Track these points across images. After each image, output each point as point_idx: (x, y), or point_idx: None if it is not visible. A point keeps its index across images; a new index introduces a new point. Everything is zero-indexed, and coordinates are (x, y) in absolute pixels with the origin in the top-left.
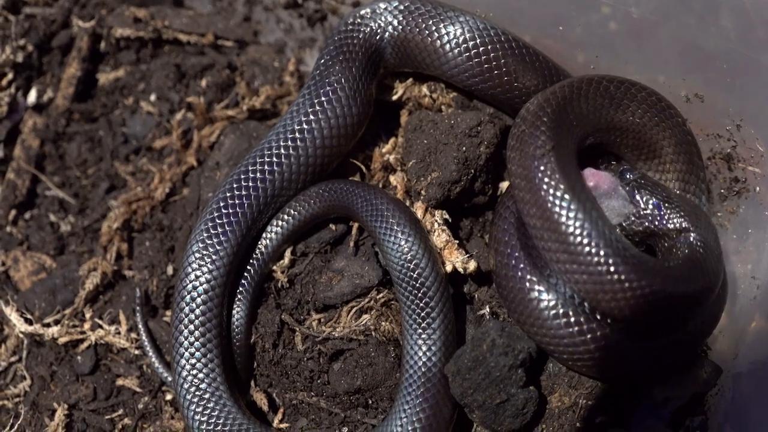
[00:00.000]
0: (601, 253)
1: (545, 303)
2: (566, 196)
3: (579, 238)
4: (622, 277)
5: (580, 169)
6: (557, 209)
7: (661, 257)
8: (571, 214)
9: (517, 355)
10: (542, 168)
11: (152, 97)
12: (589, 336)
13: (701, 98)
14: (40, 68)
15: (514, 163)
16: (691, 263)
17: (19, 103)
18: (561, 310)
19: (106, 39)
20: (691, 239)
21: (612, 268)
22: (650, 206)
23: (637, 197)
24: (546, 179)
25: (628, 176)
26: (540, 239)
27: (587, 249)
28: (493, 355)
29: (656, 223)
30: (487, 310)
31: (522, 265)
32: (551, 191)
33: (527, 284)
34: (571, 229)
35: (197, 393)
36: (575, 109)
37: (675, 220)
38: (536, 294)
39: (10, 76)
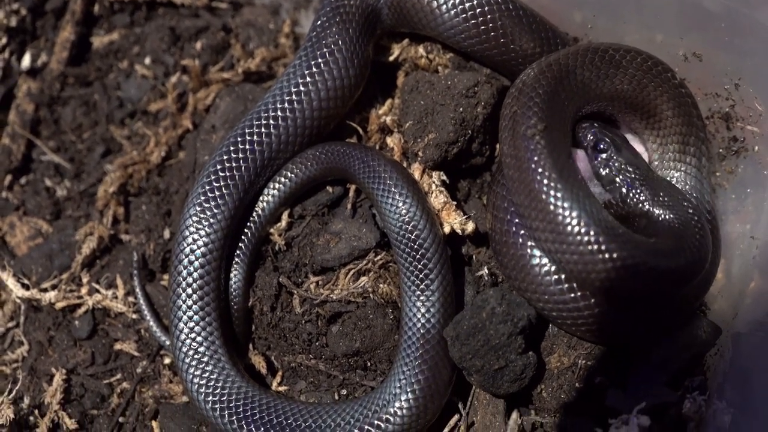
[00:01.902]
0: (591, 232)
1: (546, 269)
2: (553, 176)
3: (566, 218)
4: (611, 254)
5: (574, 148)
6: (544, 188)
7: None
8: (558, 194)
9: (517, 323)
10: (531, 148)
11: (147, 61)
12: (592, 300)
13: (699, 57)
14: (34, 32)
15: (505, 142)
16: (673, 239)
17: (13, 67)
18: (563, 275)
19: (99, 2)
20: (665, 219)
21: (598, 246)
22: (620, 187)
23: (604, 176)
24: (535, 158)
25: (605, 155)
26: (527, 218)
27: (575, 229)
28: (493, 323)
29: (626, 205)
30: (486, 271)
31: (522, 232)
32: (539, 171)
33: (528, 250)
34: (559, 210)
35: (196, 357)
36: (567, 85)
37: (645, 203)
38: (537, 260)
39: (3, 40)
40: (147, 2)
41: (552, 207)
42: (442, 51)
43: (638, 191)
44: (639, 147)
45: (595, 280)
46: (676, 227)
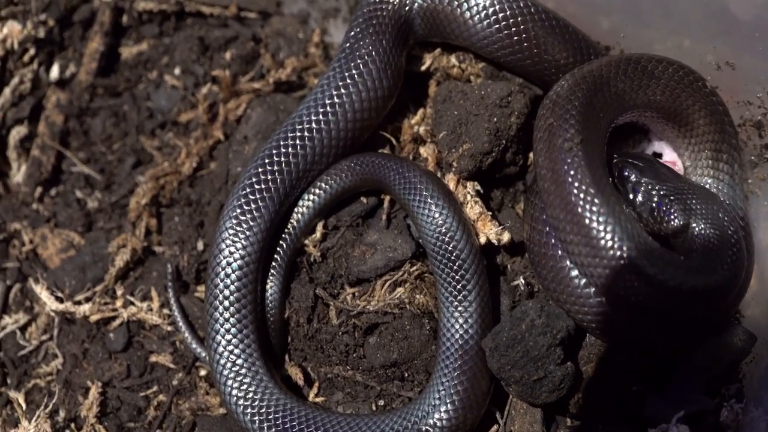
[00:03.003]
0: (624, 247)
1: (585, 280)
2: (591, 190)
3: (600, 233)
4: (644, 270)
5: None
6: (581, 202)
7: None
8: (595, 208)
9: (556, 335)
10: (569, 161)
11: (176, 71)
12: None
13: (732, 66)
14: (62, 43)
15: (540, 155)
16: (708, 257)
17: (42, 78)
18: None
19: (128, 12)
20: (702, 232)
21: (631, 262)
22: (652, 207)
23: (638, 201)
24: (572, 172)
25: (632, 179)
26: (561, 231)
27: (609, 243)
28: (532, 335)
29: (662, 224)
30: (521, 280)
31: (561, 243)
32: (576, 185)
33: (566, 262)
34: (594, 224)
35: (233, 369)
36: (602, 96)
37: (679, 218)
38: (575, 272)
39: (32, 51)
40: (175, 13)
41: (587, 221)
42: (474, 60)
43: (669, 207)
44: (672, 155)
45: (627, 296)
46: (712, 242)
